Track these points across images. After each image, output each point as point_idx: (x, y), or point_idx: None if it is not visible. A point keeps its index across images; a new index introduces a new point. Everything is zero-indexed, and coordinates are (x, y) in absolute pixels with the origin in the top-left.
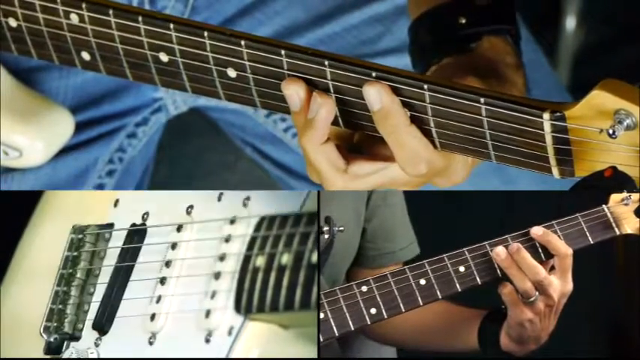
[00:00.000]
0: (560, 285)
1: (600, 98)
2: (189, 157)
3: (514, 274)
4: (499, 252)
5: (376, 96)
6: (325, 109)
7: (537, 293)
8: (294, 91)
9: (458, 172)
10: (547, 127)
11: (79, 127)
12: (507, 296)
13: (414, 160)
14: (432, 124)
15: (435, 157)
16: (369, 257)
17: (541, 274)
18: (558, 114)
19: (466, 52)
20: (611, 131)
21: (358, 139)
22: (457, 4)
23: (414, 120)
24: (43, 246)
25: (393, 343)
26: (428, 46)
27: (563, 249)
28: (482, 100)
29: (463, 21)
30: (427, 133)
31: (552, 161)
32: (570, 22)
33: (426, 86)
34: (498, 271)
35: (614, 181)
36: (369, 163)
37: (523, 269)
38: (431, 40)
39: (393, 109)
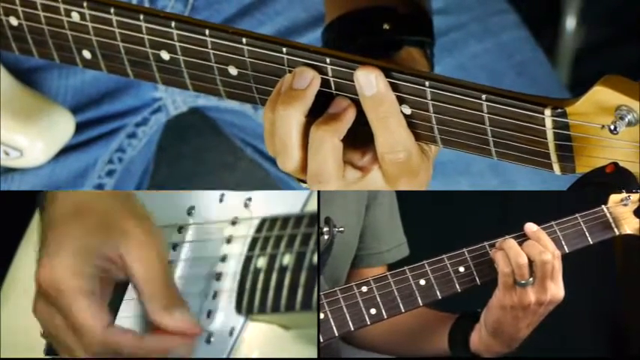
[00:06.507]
0: (553, 289)
1: (602, 94)
2: (189, 157)
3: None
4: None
5: (370, 80)
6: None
7: (532, 279)
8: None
9: (424, 176)
10: (548, 123)
11: (79, 127)
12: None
13: (396, 147)
14: (433, 121)
15: (415, 150)
16: (357, 257)
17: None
18: (560, 110)
19: (385, 59)
20: (612, 127)
21: None
22: (380, 9)
23: (415, 116)
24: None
25: (367, 346)
26: (347, 48)
27: (551, 249)
28: (483, 96)
29: (387, 27)
30: (428, 130)
31: (553, 157)
32: (570, 22)
33: (427, 83)
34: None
35: (616, 176)
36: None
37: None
38: (352, 42)
39: (388, 95)
